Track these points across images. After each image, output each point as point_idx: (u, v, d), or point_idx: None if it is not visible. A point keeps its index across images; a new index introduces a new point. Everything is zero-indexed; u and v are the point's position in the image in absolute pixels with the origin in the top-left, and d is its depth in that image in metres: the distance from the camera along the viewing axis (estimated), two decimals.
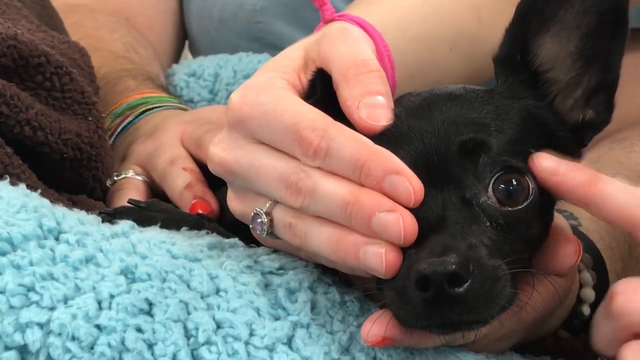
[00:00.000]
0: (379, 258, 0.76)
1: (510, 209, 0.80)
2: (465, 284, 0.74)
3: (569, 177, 0.80)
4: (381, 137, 0.81)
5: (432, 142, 0.81)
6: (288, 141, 0.79)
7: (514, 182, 0.81)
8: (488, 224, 0.80)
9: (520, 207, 0.81)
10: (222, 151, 0.85)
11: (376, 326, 0.80)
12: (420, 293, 0.75)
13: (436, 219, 0.78)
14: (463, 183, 0.80)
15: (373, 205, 0.75)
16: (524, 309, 0.83)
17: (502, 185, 0.80)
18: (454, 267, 0.74)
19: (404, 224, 0.75)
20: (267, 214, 0.82)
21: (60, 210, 0.84)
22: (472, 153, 0.80)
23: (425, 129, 0.81)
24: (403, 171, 0.76)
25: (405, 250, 0.77)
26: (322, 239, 0.79)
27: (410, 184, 0.76)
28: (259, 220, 0.83)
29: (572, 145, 0.89)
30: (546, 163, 0.80)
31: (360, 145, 0.77)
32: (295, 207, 0.79)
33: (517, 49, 0.88)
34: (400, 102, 0.86)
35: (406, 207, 0.76)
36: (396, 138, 0.82)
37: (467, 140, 0.80)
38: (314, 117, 0.79)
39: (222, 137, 0.86)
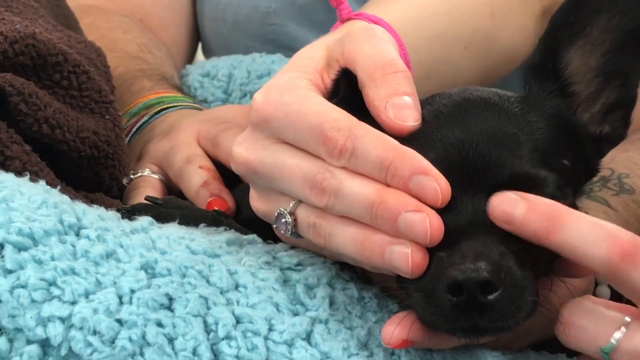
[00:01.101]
0: (405, 258, 0.76)
1: None
2: (496, 292, 0.75)
3: (524, 226, 0.76)
4: (412, 142, 0.81)
5: (469, 154, 0.80)
6: (313, 141, 0.79)
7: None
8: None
9: None
10: (245, 151, 0.85)
11: (398, 329, 0.80)
12: (452, 298, 0.75)
13: (467, 225, 0.79)
14: (495, 192, 0.80)
15: (399, 205, 0.76)
16: (542, 310, 0.83)
17: None
18: (487, 275, 0.74)
19: (430, 224, 0.75)
20: (291, 213, 0.83)
21: (80, 206, 0.85)
22: (520, 184, 0.79)
23: (460, 138, 0.81)
24: (430, 171, 0.76)
25: (434, 253, 0.77)
26: (347, 239, 0.79)
27: (438, 184, 0.76)
28: (283, 220, 0.83)
29: (593, 156, 0.90)
30: (499, 208, 0.78)
31: (386, 145, 0.77)
32: (319, 206, 0.80)
33: (549, 58, 0.88)
34: (431, 105, 0.86)
35: (435, 208, 0.77)
36: (428, 143, 0.82)
37: (519, 174, 0.80)
38: (338, 117, 0.79)
39: (245, 137, 0.86)
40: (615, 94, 0.89)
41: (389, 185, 0.77)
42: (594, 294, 0.99)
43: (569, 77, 0.88)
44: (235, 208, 1.10)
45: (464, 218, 0.79)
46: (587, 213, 1.08)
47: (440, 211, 0.77)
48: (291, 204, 0.82)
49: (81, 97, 1.09)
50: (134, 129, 1.29)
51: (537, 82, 0.88)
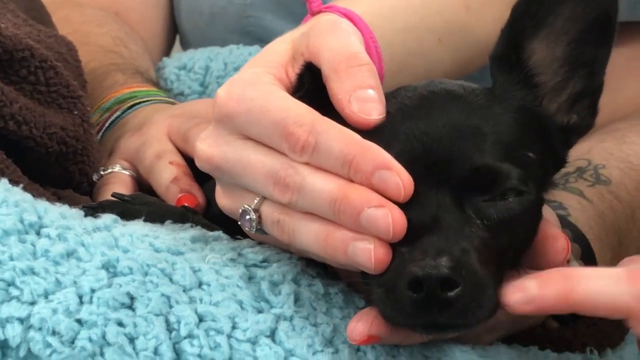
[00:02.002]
0: (368, 254, 0.75)
1: (503, 214, 0.80)
2: (457, 289, 0.74)
3: (543, 300, 0.76)
4: (376, 135, 0.80)
5: (432, 146, 0.80)
6: (275, 137, 0.78)
7: (515, 197, 0.80)
8: (480, 224, 0.79)
9: (516, 215, 0.80)
10: (209, 147, 0.84)
11: (363, 325, 0.79)
12: (411, 294, 0.74)
13: (430, 220, 0.78)
14: (461, 190, 0.79)
15: (362, 201, 0.75)
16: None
17: (502, 202, 0.80)
18: (447, 271, 0.74)
19: (392, 219, 0.74)
20: (256, 210, 0.82)
21: (42, 204, 0.83)
22: (482, 178, 0.79)
23: (424, 131, 0.80)
24: (392, 166, 0.76)
25: (396, 248, 0.77)
26: (311, 235, 0.78)
27: (400, 179, 0.75)
28: (248, 217, 0.82)
29: (561, 147, 0.89)
30: (514, 298, 0.77)
31: (348, 140, 0.76)
32: (283, 203, 0.79)
33: (512, 49, 0.87)
34: (395, 98, 0.85)
35: (397, 203, 0.76)
36: (392, 137, 0.81)
37: (480, 168, 0.79)
38: (301, 112, 0.78)
39: (209, 133, 0.85)
40: (582, 83, 0.87)
41: (352, 181, 0.76)
42: None
43: (533, 68, 0.87)
44: (206, 204, 1.09)
45: (427, 213, 0.78)
46: (561, 204, 1.08)
47: (403, 206, 0.76)
48: (255, 201, 0.81)
49: (49, 92, 1.08)
50: (107, 125, 1.28)
51: (502, 74, 0.87)
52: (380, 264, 0.75)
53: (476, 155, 0.79)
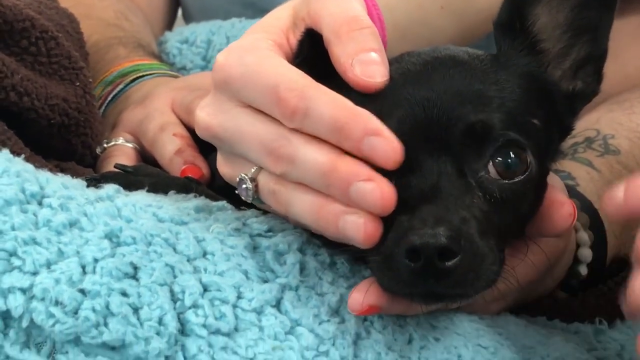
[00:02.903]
0: (358, 228, 0.74)
1: (507, 182, 0.79)
2: (455, 259, 0.73)
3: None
4: (378, 101, 0.79)
5: (433, 112, 0.78)
6: (268, 102, 0.77)
7: (513, 155, 0.79)
8: (482, 196, 0.78)
9: (517, 179, 0.79)
10: (207, 115, 0.83)
11: (362, 295, 0.78)
12: (409, 263, 0.73)
13: (430, 189, 0.77)
14: (462, 156, 0.78)
15: (351, 174, 0.74)
16: (517, 273, 0.81)
17: (500, 158, 0.79)
18: (445, 240, 0.72)
19: (382, 193, 0.73)
20: (252, 179, 0.81)
21: (44, 174, 0.82)
22: (477, 134, 0.78)
23: (426, 96, 0.79)
24: (382, 132, 0.74)
25: (395, 217, 0.75)
26: (304, 207, 0.77)
27: (390, 146, 0.74)
28: (244, 185, 0.81)
29: (566, 114, 0.87)
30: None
31: (339, 106, 0.75)
32: (277, 173, 0.78)
33: (516, 16, 0.86)
34: (399, 63, 0.84)
35: (398, 171, 0.75)
36: (394, 102, 0.79)
37: (475, 123, 0.78)
38: (293, 77, 0.77)
39: (208, 101, 0.84)
40: (585, 49, 0.87)
41: (345, 152, 0.75)
42: (575, 256, 0.97)
43: (537, 34, 0.86)
44: (210, 175, 1.08)
45: (427, 181, 0.77)
46: (569, 174, 1.07)
47: (404, 173, 0.76)
48: (252, 170, 0.80)
49: (50, 63, 1.07)
50: (109, 98, 1.27)
51: (506, 41, 0.86)
52: (370, 238, 0.74)
53: (473, 114, 0.78)
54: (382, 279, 0.77)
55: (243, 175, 0.81)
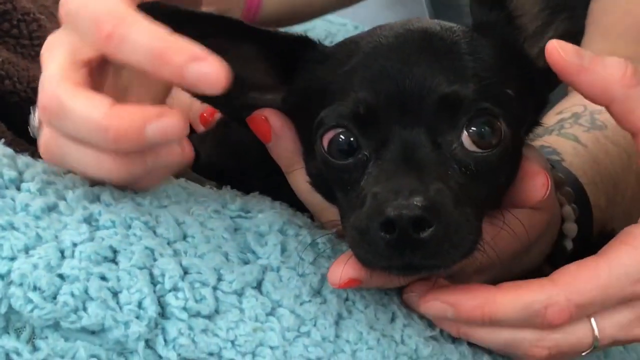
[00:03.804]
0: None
1: (481, 152, 0.79)
2: (430, 229, 0.73)
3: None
4: (350, 74, 0.80)
5: (406, 83, 0.78)
6: (90, 32, 0.75)
7: (486, 125, 0.79)
8: (457, 168, 0.78)
9: (492, 150, 0.79)
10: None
11: (341, 268, 0.78)
12: (384, 235, 0.73)
13: (404, 160, 0.77)
14: (436, 127, 0.78)
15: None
16: (495, 245, 0.81)
17: (474, 128, 0.79)
18: (419, 211, 0.72)
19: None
20: None
21: (24, 159, 0.82)
22: (451, 105, 0.78)
23: (399, 68, 0.79)
24: (206, 57, 0.71)
25: (369, 189, 0.76)
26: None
27: (216, 70, 0.70)
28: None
29: (542, 88, 0.87)
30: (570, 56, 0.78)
31: (157, 34, 0.73)
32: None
33: None
34: (371, 37, 0.84)
35: (376, 145, 0.75)
36: (367, 76, 0.80)
37: (448, 94, 0.78)
38: (116, 7, 0.75)
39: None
40: (563, 27, 0.86)
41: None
42: (561, 231, 0.97)
43: (514, 10, 0.86)
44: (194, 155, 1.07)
45: (401, 153, 0.77)
46: (555, 150, 1.07)
47: (377, 146, 0.76)
48: None
49: (32, 46, 1.06)
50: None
51: (482, 13, 0.86)
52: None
53: (446, 85, 0.78)
54: (359, 253, 0.77)
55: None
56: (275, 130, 0.85)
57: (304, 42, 0.87)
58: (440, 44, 0.81)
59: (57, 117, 0.75)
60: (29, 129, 0.88)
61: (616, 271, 0.80)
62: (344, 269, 0.78)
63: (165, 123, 0.72)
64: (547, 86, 0.87)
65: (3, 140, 0.86)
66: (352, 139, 0.79)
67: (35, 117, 0.83)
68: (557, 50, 0.79)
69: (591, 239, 1.01)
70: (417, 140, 0.77)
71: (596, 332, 0.82)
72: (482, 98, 0.78)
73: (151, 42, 0.72)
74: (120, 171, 0.77)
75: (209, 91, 0.71)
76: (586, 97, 0.82)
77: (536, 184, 0.83)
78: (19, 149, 0.86)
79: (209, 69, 0.71)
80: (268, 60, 0.86)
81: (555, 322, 0.80)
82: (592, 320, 0.82)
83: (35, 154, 0.91)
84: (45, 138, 0.80)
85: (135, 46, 0.73)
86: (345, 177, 0.80)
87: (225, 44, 0.80)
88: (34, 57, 1.06)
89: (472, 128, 0.78)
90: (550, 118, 1.16)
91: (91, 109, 0.73)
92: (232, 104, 0.86)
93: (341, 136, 0.80)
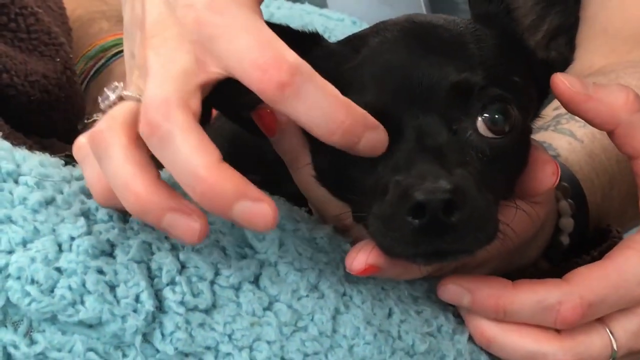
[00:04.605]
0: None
1: (496, 138, 0.79)
2: (459, 213, 0.73)
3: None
4: (359, 69, 0.80)
5: (416, 74, 0.78)
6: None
7: (500, 111, 0.79)
8: (474, 155, 0.78)
9: (506, 136, 0.80)
10: None
11: (361, 254, 0.78)
12: (413, 220, 0.73)
13: (423, 148, 0.77)
14: (449, 115, 0.79)
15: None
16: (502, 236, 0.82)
17: (487, 115, 0.79)
18: (449, 195, 0.72)
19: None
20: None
21: (21, 152, 0.82)
22: (462, 92, 0.79)
23: (408, 61, 0.79)
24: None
25: (390, 177, 0.75)
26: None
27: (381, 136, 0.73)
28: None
29: (543, 78, 0.87)
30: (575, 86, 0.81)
31: (336, 97, 0.71)
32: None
33: None
34: (376, 32, 0.84)
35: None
36: (377, 69, 0.80)
37: (459, 81, 0.78)
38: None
39: None
40: (557, 20, 0.87)
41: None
42: (557, 226, 0.97)
43: (511, 3, 0.87)
44: None
45: (421, 142, 0.77)
46: (550, 145, 1.07)
47: (393, 137, 0.75)
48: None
49: (30, 39, 1.06)
50: (92, 73, 1.26)
51: (481, 6, 0.87)
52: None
53: (455, 73, 0.78)
54: (384, 242, 0.76)
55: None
56: (282, 124, 0.84)
57: (313, 38, 0.86)
58: (445, 35, 0.82)
59: (159, 142, 0.71)
60: (99, 99, 0.86)
61: (624, 273, 0.83)
62: (363, 255, 0.78)
63: (259, 209, 0.70)
64: (547, 77, 0.87)
65: (0, 133, 0.86)
66: None
67: (114, 94, 0.79)
68: (563, 82, 0.82)
69: (587, 235, 1.01)
70: (433, 128, 0.77)
71: (614, 343, 0.84)
72: (493, 84, 0.79)
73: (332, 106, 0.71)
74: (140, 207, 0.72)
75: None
76: (592, 124, 0.85)
77: (546, 172, 0.84)
78: (16, 142, 0.85)
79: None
80: None
81: (568, 319, 0.82)
82: (608, 330, 0.84)
83: (32, 147, 0.92)
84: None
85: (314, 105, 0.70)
86: (359, 170, 0.80)
87: None
88: (31, 51, 1.06)
89: (485, 114, 0.79)
90: (547, 113, 1.16)
91: (199, 154, 0.69)
92: (235, 102, 0.85)
93: None
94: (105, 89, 0.80)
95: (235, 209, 0.69)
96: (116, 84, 0.79)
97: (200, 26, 0.72)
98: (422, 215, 0.72)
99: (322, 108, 0.70)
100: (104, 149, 0.73)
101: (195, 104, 0.72)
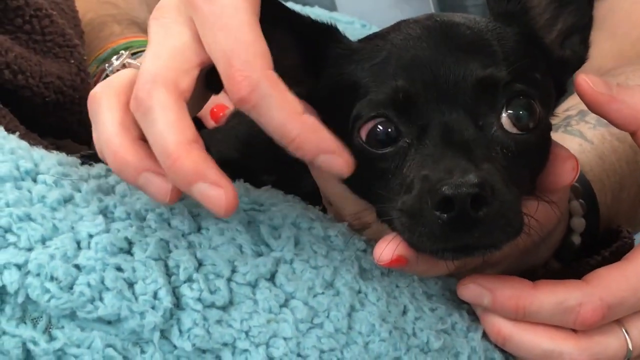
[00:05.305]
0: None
1: (521, 133, 0.80)
2: (487, 207, 0.73)
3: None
4: (384, 66, 0.81)
5: (441, 71, 0.79)
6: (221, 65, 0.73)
7: (525, 107, 0.80)
8: (499, 150, 0.79)
9: (531, 131, 0.81)
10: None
11: (390, 245, 0.79)
12: (441, 215, 0.73)
13: (449, 143, 0.77)
14: (475, 110, 0.79)
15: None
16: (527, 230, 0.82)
17: (512, 110, 0.80)
18: (477, 189, 0.72)
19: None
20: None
21: (39, 152, 0.83)
22: (487, 88, 0.80)
23: (433, 57, 0.80)
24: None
25: (417, 172, 0.76)
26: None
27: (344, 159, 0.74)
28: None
29: (560, 76, 0.89)
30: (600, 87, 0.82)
31: (294, 113, 0.73)
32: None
33: None
34: (398, 30, 0.85)
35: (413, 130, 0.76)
36: (402, 66, 0.81)
37: (484, 77, 0.79)
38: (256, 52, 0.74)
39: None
40: (571, 19, 0.89)
41: None
42: (568, 226, 0.98)
43: (527, 2, 0.88)
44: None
45: (445, 137, 0.77)
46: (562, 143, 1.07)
47: (420, 132, 0.76)
48: None
49: (44, 41, 1.07)
50: (103, 76, 1.26)
51: (500, 5, 0.88)
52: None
53: (480, 69, 0.79)
54: (410, 237, 0.77)
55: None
56: None
57: (331, 33, 0.87)
58: (468, 33, 0.83)
59: (142, 115, 0.74)
60: (106, 66, 0.87)
61: None
62: (391, 246, 0.79)
63: (215, 193, 0.72)
64: (563, 75, 0.88)
65: (17, 133, 0.87)
66: (391, 127, 0.80)
67: (117, 62, 0.82)
68: (586, 82, 0.83)
69: (598, 235, 1.02)
70: (459, 124, 0.78)
71: (629, 343, 0.84)
72: (517, 80, 0.80)
73: (288, 122, 0.73)
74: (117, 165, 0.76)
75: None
76: (615, 124, 0.85)
77: (566, 168, 0.85)
78: (32, 143, 0.86)
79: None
80: (298, 50, 0.86)
81: (588, 320, 0.82)
82: (624, 330, 0.85)
83: (47, 148, 0.92)
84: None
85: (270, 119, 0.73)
86: (385, 166, 0.80)
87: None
88: (46, 53, 1.07)
89: (510, 110, 0.80)
90: (557, 114, 1.17)
91: (171, 131, 0.73)
92: None
93: (380, 126, 0.80)
94: (113, 58, 0.84)
95: (194, 189, 0.72)
96: (123, 52, 0.81)
97: (194, 9, 0.75)
98: (451, 209, 0.73)
99: (276, 123, 0.73)
100: (94, 110, 0.78)
101: (187, 82, 0.75)
